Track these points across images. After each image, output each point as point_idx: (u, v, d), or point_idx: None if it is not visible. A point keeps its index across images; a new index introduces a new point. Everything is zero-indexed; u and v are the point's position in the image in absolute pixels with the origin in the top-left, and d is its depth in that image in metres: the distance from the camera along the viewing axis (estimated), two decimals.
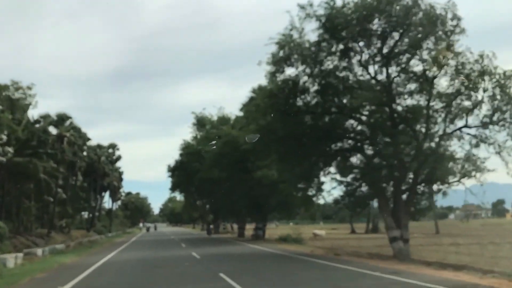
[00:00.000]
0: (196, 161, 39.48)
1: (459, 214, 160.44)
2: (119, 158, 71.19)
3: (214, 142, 34.14)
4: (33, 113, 39.09)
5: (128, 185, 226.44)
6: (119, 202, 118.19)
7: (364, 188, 20.91)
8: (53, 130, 45.81)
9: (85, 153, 60.78)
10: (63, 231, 46.37)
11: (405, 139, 18.62)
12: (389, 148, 18.67)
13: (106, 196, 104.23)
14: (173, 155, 47.14)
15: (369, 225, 77.11)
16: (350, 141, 21.57)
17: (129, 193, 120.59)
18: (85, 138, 51.97)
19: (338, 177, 22.28)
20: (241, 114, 38.02)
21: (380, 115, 19.53)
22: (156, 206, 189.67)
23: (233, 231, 58.92)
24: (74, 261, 18.92)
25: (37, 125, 42.36)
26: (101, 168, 63.10)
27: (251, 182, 31.55)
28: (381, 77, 19.00)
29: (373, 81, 19.14)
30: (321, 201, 32.23)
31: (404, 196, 19.31)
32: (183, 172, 43.61)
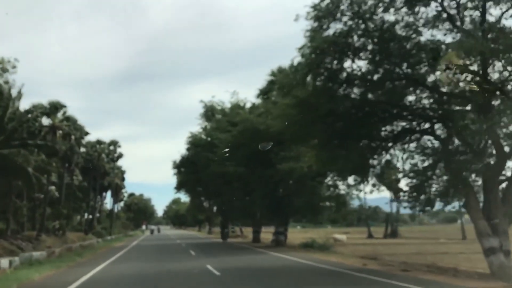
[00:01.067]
0: (206, 156, 34.15)
1: None
2: (120, 156, 65.77)
3: (228, 131, 28.82)
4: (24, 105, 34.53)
5: (132, 187, 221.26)
6: (121, 204, 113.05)
7: (435, 182, 15.55)
8: (48, 122, 40.77)
9: (83, 149, 55.59)
10: (56, 233, 41.02)
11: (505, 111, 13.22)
12: (481, 126, 13.24)
13: (108, 197, 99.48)
14: (178, 155, 41.11)
15: (388, 229, 71.66)
16: (414, 120, 16.20)
17: (132, 194, 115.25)
18: (82, 131, 46.65)
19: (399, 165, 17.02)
20: (257, 102, 32.80)
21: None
22: (160, 209, 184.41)
23: (243, 235, 53.36)
24: (46, 277, 13.52)
25: (29, 115, 37.33)
26: (101, 165, 57.79)
27: (274, 177, 26.14)
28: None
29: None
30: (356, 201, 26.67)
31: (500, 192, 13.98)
32: (190, 169, 38.26)
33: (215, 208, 69.14)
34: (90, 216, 59.78)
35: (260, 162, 26.67)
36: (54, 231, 41.25)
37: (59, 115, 40.66)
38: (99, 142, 58.37)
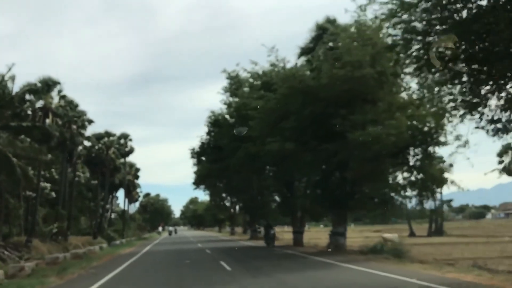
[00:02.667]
0: (234, 136, 26.07)
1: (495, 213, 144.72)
2: (132, 150, 57.77)
3: (265, 97, 20.53)
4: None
5: (147, 188, 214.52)
6: (137, 204, 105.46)
7: None
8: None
9: (87, 143, 47.93)
10: (54, 238, 33.23)
11: None
12: None
13: (121, 197, 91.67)
14: (196, 141, 32.26)
15: (432, 227, 62.85)
16: None
17: (147, 194, 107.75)
18: (84, 118, 38.88)
19: None
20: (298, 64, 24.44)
21: None
22: (176, 209, 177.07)
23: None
24: None
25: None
26: (110, 160, 49.98)
27: (340, 154, 17.69)
28: None
29: None
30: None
31: None
32: (212, 156, 30.09)
33: (238, 206, 61.06)
34: (99, 219, 51.95)
35: (315, 134, 18.33)
36: (51, 235, 33.36)
37: (54, 95, 32.88)
38: (108, 134, 50.51)
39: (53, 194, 37.24)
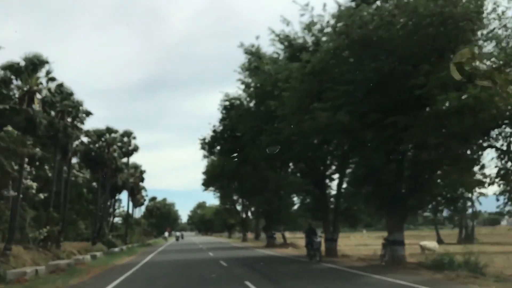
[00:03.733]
0: (253, 121, 20.71)
1: None
2: (136, 149, 52.41)
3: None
4: None
5: (154, 194, 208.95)
6: (142, 209, 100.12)
7: None
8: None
9: (85, 139, 42.84)
10: (44, 245, 28.02)
11: None
12: None
13: (125, 200, 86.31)
14: (208, 129, 26.45)
15: (462, 233, 56.99)
16: None
17: (154, 198, 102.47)
18: (80, 109, 33.75)
19: None
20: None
21: None
22: (183, 214, 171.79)
23: (293, 245, 39.37)
24: None
25: None
26: (111, 159, 44.72)
27: (412, 131, 12.11)
28: None
29: None
30: None
31: None
32: (228, 144, 24.66)
33: (250, 210, 55.44)
34: (102, 222, 46.59)
35: (377, 104, 12.83)
36: (39, 242, 28.09)
37: (41, 75, 27.75)
38: (109, 130, 45.30)
39: (42, 195, 32.00)
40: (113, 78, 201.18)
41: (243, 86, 23.60)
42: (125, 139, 52.38)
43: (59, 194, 35.49)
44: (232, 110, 23.91)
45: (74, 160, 46.43)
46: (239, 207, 54.58)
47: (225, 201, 54.42)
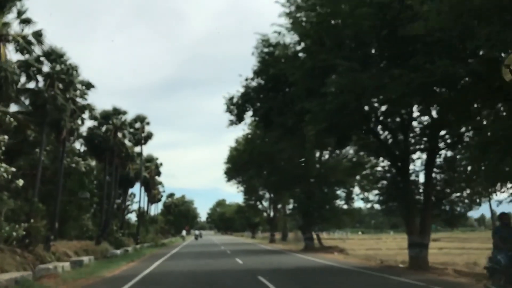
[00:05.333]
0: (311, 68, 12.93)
1: None
2: (149, 136, 44.98)
3: None
4: None
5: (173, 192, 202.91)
6: (159, 205, 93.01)
7: None
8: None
9: (89, 122, 35.71)
10: (27, 244, 20.59)
11: None
12: None
13: (138, 194, 79.02)
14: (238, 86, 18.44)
15: None
16: None
17: (171, 195, 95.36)
18: (74, 74, 26.54)
19: None
20: None
21: None
22: (202, 213, 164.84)
23: (336, 249, 31.24)
24: None
25: None
26: (118, 145, 37.43)
27: None
28: None
29: None
30: None
31: None
32: (266, 103, 16.61)
33: (279, 205, 47.35)
34: (108, 218, 39.28)
35: None
36: (15, 241, 20.66)
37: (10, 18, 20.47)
38: (116, 111, 37.92)
39: (19, 182, 24.67)
40: (135, 77, 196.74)
41: (289, 25, 15.64)
42: (138, 124, 45.12)
43: (56, 183, 28.44)
44: (272, 57, 16.04)
45: (78, 146, 39.43)
46: (265, 203, 46.74)
47: (250, 196, 46.66)
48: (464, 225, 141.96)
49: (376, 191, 17.87)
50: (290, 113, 15.39)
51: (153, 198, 75.30)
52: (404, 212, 15.96)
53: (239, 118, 17.32)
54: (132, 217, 60.35)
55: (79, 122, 30.80)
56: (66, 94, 26.66)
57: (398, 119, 16.33)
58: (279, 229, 49.45)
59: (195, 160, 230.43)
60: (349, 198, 29.40)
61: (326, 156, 30.17)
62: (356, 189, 30.07)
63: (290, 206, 34.13)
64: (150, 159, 62.08)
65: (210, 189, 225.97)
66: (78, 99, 29.11)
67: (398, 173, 16.52)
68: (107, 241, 35.15)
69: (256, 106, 17.00)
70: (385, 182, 17.76)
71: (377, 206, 17.95)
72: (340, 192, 29.96)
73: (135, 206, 62.51)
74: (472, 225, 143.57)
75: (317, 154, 29.09)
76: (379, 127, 16.81)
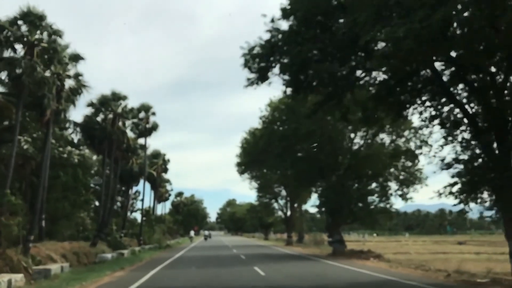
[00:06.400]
0: None
1: None
2: (155, 127, 40.23)
3: None
4: None
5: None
6: (168, 205, 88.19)
7: None
8: None
9: (87, 109, 31.28)
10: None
11: None
12: None
13: (145, 192, 73.72)
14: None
15: None
16: None
17: (180, 194, 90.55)
18: (55, 42, 21.81)
19: None
20: None
21: None
22: (212, 214, 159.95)
23: (372, 256, 25.88)
24: None
25: None
26: (117, 134, 32.61)
27: None
28: None
29: None
30: None
31: None
32: (301, 55, 11.62)
33: (296, 204, 42.10)
34: (106, 216, 34.54)
35: None
36: None
37: None
38: (116, 96, 33.06)
39: None
40: (145, 79, 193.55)
41: None
42: (142, 114, 40.34)
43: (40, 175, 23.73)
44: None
45: (74, 135, 34.67)
46: (281, 202, 41.59)
47: (265, 194, 41.60)
48: (480, 228, 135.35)
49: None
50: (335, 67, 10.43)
51: (160, 196, 70.63)
52: (505, 205, 10.76)
53: (262, 76, 12.27)
54: (137, 216, 55.32)
55: (70, 104, 25.98)
56: (50, 67, 22.01)
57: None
58: (296, 230, 44.23)
59: (205, 162, 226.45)
60: (384, 195, 24.21)
61: (355, 146, 25.16)
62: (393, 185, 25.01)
63: (308, 205, 28.94)
64: (157, 155, 57.29)
65: (220, 190, 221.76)
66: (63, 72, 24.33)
67: (487, 151, 11.37)
68: (105, 242, 30.43)
69: (285, 60, 11.97)
70: (460, 166, 12.54)
71: (446, 202, 12.74)
72: (374, 187, 24.79)
73: (140, 205, 57.61)
74: (489, 228, 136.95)
75: (351, 136, 24.08)
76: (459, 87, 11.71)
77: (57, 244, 22.57)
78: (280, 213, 43.60)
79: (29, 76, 19.86)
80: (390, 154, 22.59)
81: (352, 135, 23.86)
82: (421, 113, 13.54)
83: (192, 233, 62.38)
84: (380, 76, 13.21)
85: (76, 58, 24.03)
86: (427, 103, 13.29)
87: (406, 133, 24.28)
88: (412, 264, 18.93)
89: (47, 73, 21.76)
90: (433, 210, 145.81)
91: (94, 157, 40.21)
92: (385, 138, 24.46)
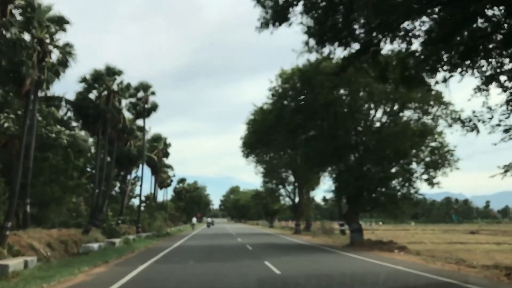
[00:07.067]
0: None
1: None
2: (154, 108, 37.24)
3: None
4: None
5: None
6: (170, 191, 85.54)
7: None
8: None
9: (79, 86, 28.43)
10: None
11: None
12: None
13: (147, 179, 71.36)
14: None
15: None
16: None
17: (183, 180, 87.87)
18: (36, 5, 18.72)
19: None
20: None
21: None
22: (215, 200, 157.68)
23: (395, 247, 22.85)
24: None
25: None
26: (112, 113, 29.60)
27: None
28: None
29: None
30: None
31: None
32: None
33: (304, 190, 39.03)
34: (99, 201, 31.72)
35: None
36: None
37: None
38: (110, 70, 29.92)
39: None
40: (149, 67, 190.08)
41: None
42: (140, 94, 37.34)
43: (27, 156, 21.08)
44: None
45: (66, 115, 31.72)
46: (288, 188, 38.65)
47: (271, 179, 38.68)
48: (486, 217, 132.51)
49: None
50: None
51: (162, 182, 67.92)
52: None
53: (280, 15, 9.18)
54: (138, 202, 52.56)
55: (55, 77, 22.93)
56: (30, 29, 18.99)
57: None
58: (303, 218, 41.33)
59: (209, 149, 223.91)
60: (408, 179, 21.20)
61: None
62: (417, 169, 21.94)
63: (320, 190, 25.85)
64: (158, 138, 54.39)
65: (223, 178, 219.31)
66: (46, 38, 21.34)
67: None
68: (100, 230, 27.67)
69: None
70: None
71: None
72: (396, 170, 21.74)
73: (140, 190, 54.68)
74: (495, 217, 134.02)
75: (371, 112, 20.98)
76: None
77: (43, 232, 19.82)
78: (287, 199, 40.67)
79: (1, 37, 16.95)
80: (419, 131, 19.54)
81: (372, 112, 20.75)
82: (480, 69, 10.44)
83: (194, 220, 59.70)
84: (429, 21, 10.11)
85: (60, 21, 20.94)
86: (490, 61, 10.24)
87: (434, 109, 21.19)
88: (449, 258, 16.02)
89: (27, 37, 18.86)
90: (438, 198, 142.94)
91: (91, 140, 37.41)
92: (409, 115, 21.39)
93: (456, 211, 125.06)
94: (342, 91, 18.31)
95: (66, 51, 21.56)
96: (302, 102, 18.64)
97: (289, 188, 38.82)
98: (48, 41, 21.14)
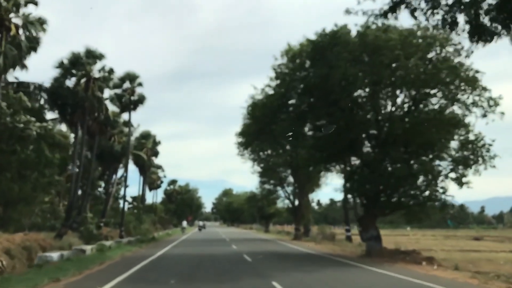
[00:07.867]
0: None
1: None
2: (141, 100, 33.38)
3: None
4: None
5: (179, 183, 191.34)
6: (160, 193, 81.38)
7: None
8: None
9: (55, 71, 24.62)
10: None
11: None
12: None
13: (135, 179, 67.26)
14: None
15: None
16: None
17: (174, 181, 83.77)
18: None
19: None
20: None
21: None
22: (207, 204, 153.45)
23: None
24: None
25: None
26: (91, 101, 25.79)
27: None
28: None
29: None
30: None
31: None
32: None
33: (302, 191, 35.19)
34: (75, 201, 27.71)
35: None
36: None
37: None
38: (90, 53, 26.04)
39: None
40: (143, 68, 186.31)
41: None
42: (126, 84, 33.51)
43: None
44: None
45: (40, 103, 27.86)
46: (290, 188, 34.97)
47: (269, 178, 35.02)
48: (481, 223, 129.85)
49: None
50: None
51: (151, 183, 63.90)
52: None
53: None
54: (126, 204, 48.36)
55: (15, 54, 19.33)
56: None
57: None
58: (304, 222, 37.64)
59: (201, 152, 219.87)
60: (435, 177, 17.66)
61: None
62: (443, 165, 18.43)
63: (316, 193, 22.25)
64: (147, 136, 50.43)
65: (216, 181, 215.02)
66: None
67: None
68: (78, 233, 23.88)
69: None
70: None
71: None
72: (418, 166, 18.16)
73: (128, 191, 50.33)
74: (490, 222, 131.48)
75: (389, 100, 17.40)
76: None
77: (2, 236, 15.95)
78: (286, 202, 36.98)
79: None
80: (455, 120, 16.05)
81: (399, 94, 17.13)
82: None
83: (184, 223, 55.68)
84: None
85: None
86: None
87: (465, 96, 17.69)
88: (501, 274, 12.53)
89: None
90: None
91: (73, 136, 33.52)
92: (440, 102, 17.87)
93: (452, 216, 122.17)
94: (362, 68, 14.67)
95: (36, 26, 17.84)
96: (313, 80, 15.04)
97: (289, 189, 35.19)
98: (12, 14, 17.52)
